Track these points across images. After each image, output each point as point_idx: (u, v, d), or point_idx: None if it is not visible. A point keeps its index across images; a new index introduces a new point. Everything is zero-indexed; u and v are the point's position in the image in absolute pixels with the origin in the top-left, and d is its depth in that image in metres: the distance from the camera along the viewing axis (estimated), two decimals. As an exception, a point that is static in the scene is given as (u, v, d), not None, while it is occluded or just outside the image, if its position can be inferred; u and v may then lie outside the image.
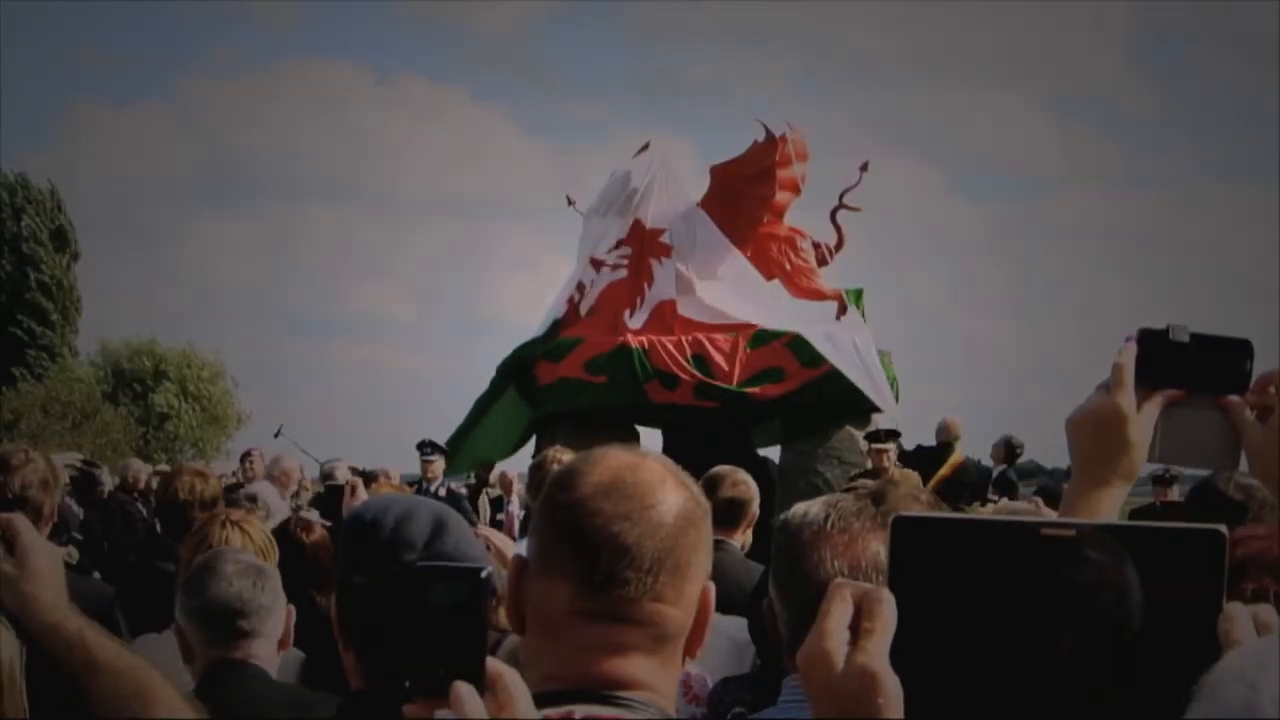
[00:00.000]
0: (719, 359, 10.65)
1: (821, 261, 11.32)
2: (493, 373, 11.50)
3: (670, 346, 10.73)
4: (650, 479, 1.40)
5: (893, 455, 9.65)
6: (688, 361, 10.71)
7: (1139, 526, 0.97)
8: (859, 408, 10.64)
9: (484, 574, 1.16)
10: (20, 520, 1.78)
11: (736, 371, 10.61)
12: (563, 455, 4.99)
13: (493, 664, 1.12)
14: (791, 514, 1.84)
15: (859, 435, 10.56)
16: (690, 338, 10.80)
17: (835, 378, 10.51)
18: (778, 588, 1.82)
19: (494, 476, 12.39)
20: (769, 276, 11.22)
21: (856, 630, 0.93)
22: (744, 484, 4.54)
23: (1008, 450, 10.83)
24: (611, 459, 1.42)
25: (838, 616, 0.93)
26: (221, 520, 3.47)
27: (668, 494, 1.39)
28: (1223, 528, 0.96)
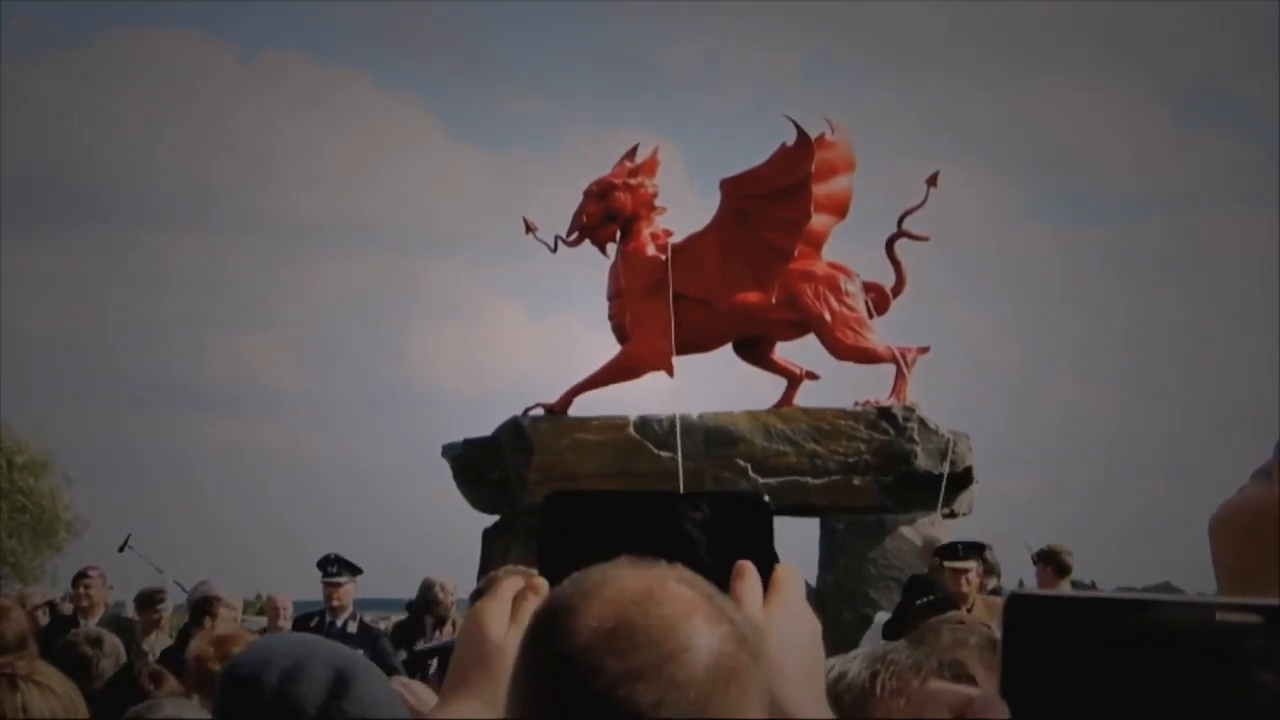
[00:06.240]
0: None
1: (879, 309, 11.05)
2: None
3: None
4: (671, 614, 1.25)
5: (974, 578, 8.70)
6: None
7: None
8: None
9: None
10: None
11: None
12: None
13: None
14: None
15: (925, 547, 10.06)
16: None
17: None
18: None
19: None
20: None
21: None
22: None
23: (1056, 564, 9.54)
24: (614, 587, 1.28)
25: None
26: (7, 674, 3.32)
27: (696, 635, 1.25)
28: None
